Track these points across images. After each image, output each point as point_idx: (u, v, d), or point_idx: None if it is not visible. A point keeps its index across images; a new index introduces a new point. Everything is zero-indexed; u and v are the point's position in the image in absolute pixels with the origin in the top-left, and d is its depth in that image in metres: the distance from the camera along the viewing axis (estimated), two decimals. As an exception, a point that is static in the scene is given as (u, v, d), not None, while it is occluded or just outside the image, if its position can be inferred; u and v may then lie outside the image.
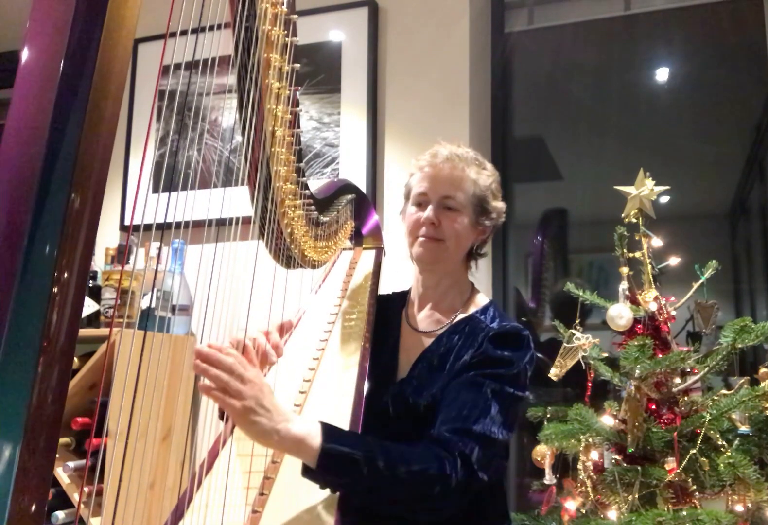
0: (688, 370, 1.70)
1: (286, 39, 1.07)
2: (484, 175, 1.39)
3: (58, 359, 0.50)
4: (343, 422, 1.12)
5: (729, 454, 1.57)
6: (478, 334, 1.31)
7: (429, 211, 1.34)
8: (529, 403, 2.18)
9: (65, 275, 0.50)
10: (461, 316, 1.38)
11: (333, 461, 0.99)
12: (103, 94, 0.51)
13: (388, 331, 1.43)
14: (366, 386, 1.22)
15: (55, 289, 0.49)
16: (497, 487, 1.35)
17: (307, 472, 1.00)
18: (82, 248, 0.51)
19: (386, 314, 1.46)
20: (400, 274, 1.56)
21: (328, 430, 1.02)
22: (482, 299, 1.43)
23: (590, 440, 1.71)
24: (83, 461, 2.05)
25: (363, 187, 2.29)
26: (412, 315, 1.44)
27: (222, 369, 0.95)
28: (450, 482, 1.07)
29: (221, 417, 1.16)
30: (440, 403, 1.23)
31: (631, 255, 1.82)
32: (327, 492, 1.02)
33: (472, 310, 1.39)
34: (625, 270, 1.82)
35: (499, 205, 1.42)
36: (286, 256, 1.28)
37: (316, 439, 0.99)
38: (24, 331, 0.49)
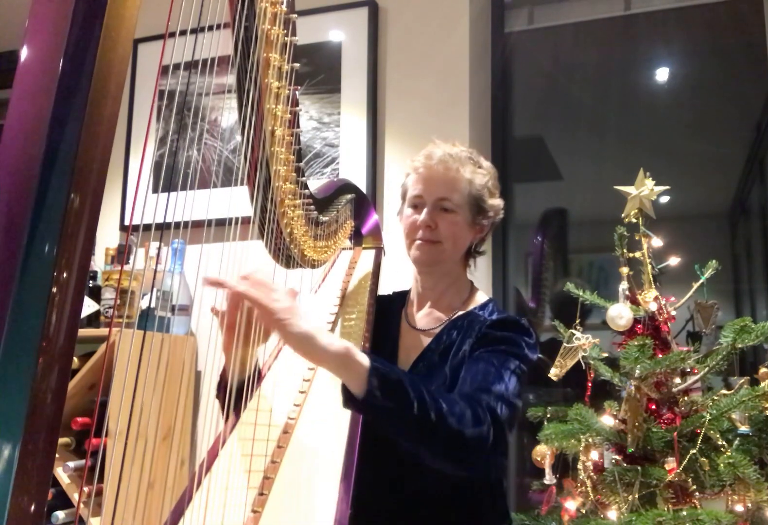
0: (688, 370, 1.70)
1: (286, 38, 1.06)
2: (480, 174, 1.38)
3: (57, 359, 0.50)
4: (343, 421, 1.12)
5: (729, 454, 1.57)
6: (475, 327, 1.31)
7: (425, 214, 1.34)
8: (529, 403, 2.18)
9: (64, 275, 0.50)
10: (460, 313, 1.38)
11: (382, 381, 0.98)
12: (102, 94, 0.51)
13: (388, 330, 1.43)
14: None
15: (55, 289, 0.49)
16: (497, 487, 1.35)
17: (350, 398, 0.98)
18: (82, 248, 0.51)
19: (386, 314, 1.46)
20: (400, 273, 1.56)
21: (371, 354, 1.02)
22: (481, 297, 1.43)
23: (590, 440, 1.71)
24: (83, 461, 2.05)
25: (363, 187, 2.29)
26: (412, 314, 1.44)
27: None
28: (483, 431, 1.05)
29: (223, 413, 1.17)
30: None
31: (631, 255, 1.82)
32: (327, 491, 1.02)
33: (470, 307, 1.39)
34: (625, 270, 1.82)
35: (497, 202, 1.42)
36: (286, 255, 1.28)
37: (363, 356, 0.99)
38: (23, 331, 0.49)
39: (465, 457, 1.07)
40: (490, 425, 1.06)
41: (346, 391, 1.00)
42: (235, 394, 1.09)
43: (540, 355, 2.19)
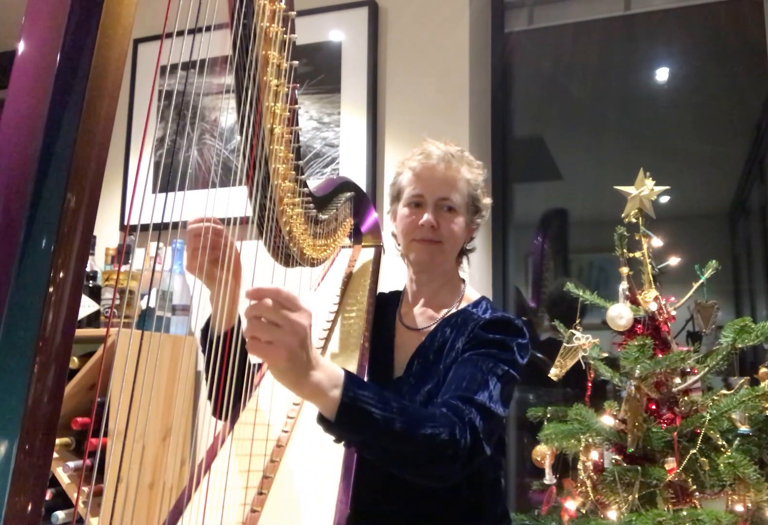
0: (688, 370, 1.70)
1: (285, 36, 1.06)
2: (475, 173, 1.39)
3: (54, 359, 0.49)
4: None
5: (729, 454, 1.57)
6: (469, 324, 1.31)
7: (428, 215, 1.33)
8: (529, 403, 2.18)
9: (61, 275, 0.49)
10: (453, 310, 1.38)
11: (350, 417, 0.95)
12: (99, 92, 0.50)
13: (383, 329, 1.43)
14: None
15: (51, 289, 0.49)
16: (497, 486, 1.35)
17: (323, 421, 0.95)
18: (78, 248, 0.50)
19: (381, 313, 1.46)
20: (400, 271, 1.56)
21: (350, 382, 0.96)
22: (473, 294, 1.43)
23: (590, 440, 1.70)
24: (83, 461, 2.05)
25: (363, 187, 2.29)
26: (406, 313, 1.44)
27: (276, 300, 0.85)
28: (459, 447, 1.05)
29: (214, 413, 1.17)
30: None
31: (631, 255, 1.82)
32: (326, 491, 1.02)
33: (463, 304, 1.39)
34: (625, 270, 1.82)
35: (488, 201, 1.43)
36: (285, 254, 1.27)
37: (335, 390, 0.93)
38: (19, 331, 0.48)
39: (436, 473, 1.07)
40: (467, 441, 1.06)
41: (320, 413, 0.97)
42: (222, 342, 1.06)
43: (540, 355, 2.20)
